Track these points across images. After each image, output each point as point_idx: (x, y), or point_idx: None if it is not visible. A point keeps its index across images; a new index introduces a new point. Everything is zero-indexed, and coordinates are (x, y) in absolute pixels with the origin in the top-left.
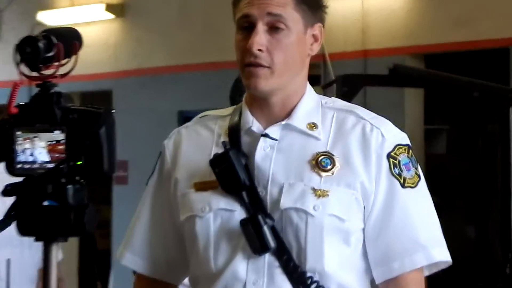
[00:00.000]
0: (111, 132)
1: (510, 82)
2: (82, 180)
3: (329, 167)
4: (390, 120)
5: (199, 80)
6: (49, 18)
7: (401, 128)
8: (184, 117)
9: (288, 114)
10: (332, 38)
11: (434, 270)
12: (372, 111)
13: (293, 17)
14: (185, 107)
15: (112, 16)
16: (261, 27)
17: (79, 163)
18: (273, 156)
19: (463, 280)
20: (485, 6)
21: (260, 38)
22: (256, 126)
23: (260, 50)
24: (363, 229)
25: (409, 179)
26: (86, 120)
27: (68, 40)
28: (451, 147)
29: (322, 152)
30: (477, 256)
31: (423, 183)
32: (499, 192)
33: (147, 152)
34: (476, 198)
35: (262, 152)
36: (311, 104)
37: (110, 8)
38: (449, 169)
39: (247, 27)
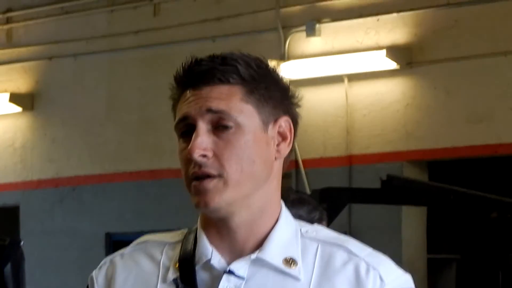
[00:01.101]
0: (18, 270)
1: None
2: None
3: None
4: (384, 249)
5: (132, 193)
6: None
7: (398, 257)
8: (113, 241)
9: (258, 245)
10: (308, 140)
11: None
12: (359, 237)
13: (243, 110)
14: (115, 229)
15: (18, 109)
16: (202, 127)
17: None
18: None
19: None
20: (506, 99)
21: (202, 140)
22: (216, 259)
23: (204, 156)
24: None
25: None
26: None
27: None
28: (462, 283)
29: None
30: None
31: None
32: None
33: None
34: None
35: None
36: (287, 233)
37: (15, 98)
38: None
39: (187, 131)
